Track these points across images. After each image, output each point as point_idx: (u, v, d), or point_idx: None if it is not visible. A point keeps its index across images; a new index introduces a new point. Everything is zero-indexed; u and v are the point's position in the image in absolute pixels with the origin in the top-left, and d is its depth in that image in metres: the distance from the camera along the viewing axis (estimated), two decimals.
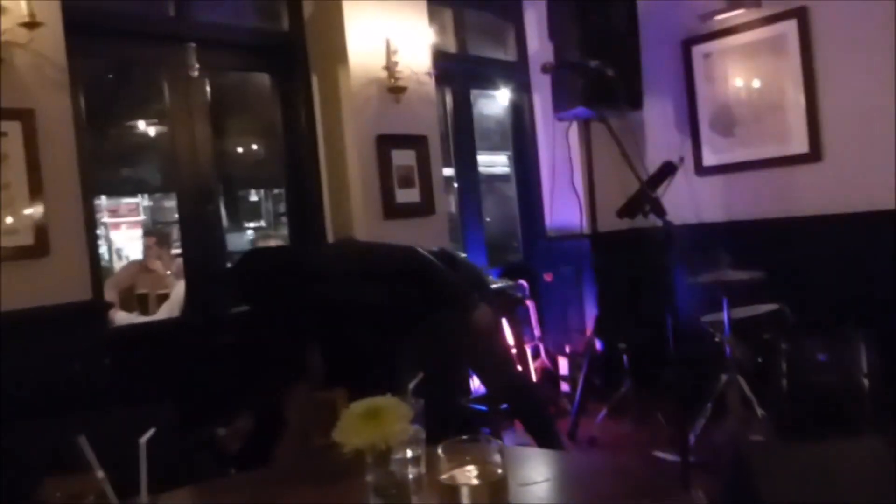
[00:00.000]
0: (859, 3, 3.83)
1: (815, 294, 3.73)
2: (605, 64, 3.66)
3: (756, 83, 4.34)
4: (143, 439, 1.19)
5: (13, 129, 2.51)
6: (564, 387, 4.59)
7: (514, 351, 4.06)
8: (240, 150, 6.10)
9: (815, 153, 4.08)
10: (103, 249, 5.67)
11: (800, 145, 4.14)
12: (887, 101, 3.76)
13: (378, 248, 3.03)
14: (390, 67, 3.62)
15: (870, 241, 3.77)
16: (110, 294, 3.96)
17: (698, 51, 4.58)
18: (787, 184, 4.20)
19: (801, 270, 3.87)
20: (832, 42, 3.99)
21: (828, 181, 4.01)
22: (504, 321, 3.90)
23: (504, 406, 3.34)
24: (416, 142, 3.79)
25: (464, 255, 4.29)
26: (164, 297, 3.98)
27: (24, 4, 2.46)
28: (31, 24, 2.48)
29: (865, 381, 3.19)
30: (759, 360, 3.30)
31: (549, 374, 4.56)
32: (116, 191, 5.81)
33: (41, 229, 2.57)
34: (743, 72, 4.40)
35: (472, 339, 2.87)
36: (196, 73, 3.34)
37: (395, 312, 2.89)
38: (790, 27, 4.14)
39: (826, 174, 4.03)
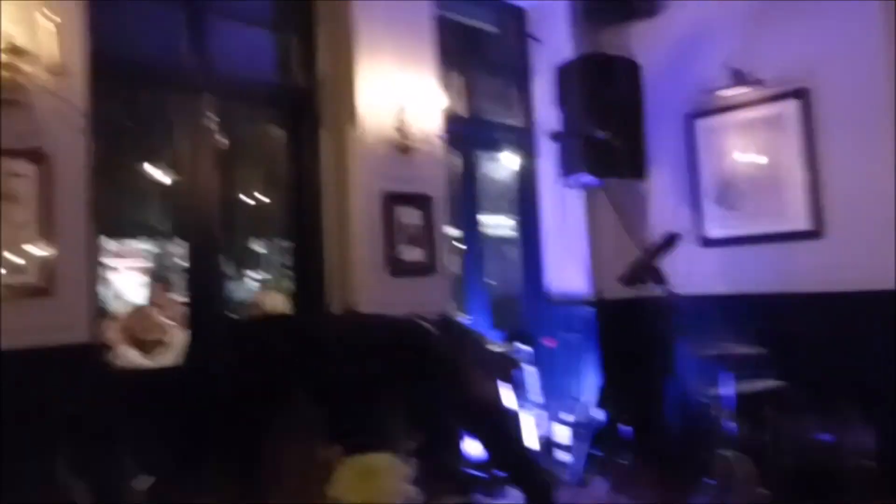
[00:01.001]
0: (860, 84, 3.92)
1: (817, 372, 3.70)
2: (611, 134, 3.73)
3: (758, 159, 4.41)
4: (143, 487, 1.18)
5: (30, 171, 2.55)
6: (565, 457, 4.49)
7: (512, 416, 4.00)
8: (247, 199, 6.15)
9: (816, 230, 4.11)
10: (106, 292, 5.65)
11: (801, 222, 4.18)
12: (888, 181, 3.81)
13: (381, 323, 3.04)
14: (401, 127, 3.69)
15: (871, 320, 3.76)
16: (111, 336, 3.94)
17: (702, 124, 4.67)
18: (789, 259, 4.21)
19: (803, 347, 3.85)
20: (833, 122, 4.07)
21: (829, 259, 4.03)
22: (503, 385, 3.86)
23: (500, 473, 3.29)
24: (422, 201, 3.83)
25: (466, 317, 4.28)
26: (164, 344, 3.95)
27: (51, 51, 2.53)
28: (57, 71, 2.55)
29: (870, 464, 3.14)
30: (761, 436, 3.26)
31: (550, 444, 4.47)
32: (123, 234, 5.83)
33: (48, 270, 2.58)
34: (745, 147, 4.47)
35: (474, 412, 2.86)
36: (210, 123, 3.41)
37: (397, 383, 2.90)
38: (792, 107, 4.23)
39: (827, 252, 4.05)
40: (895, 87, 3.82)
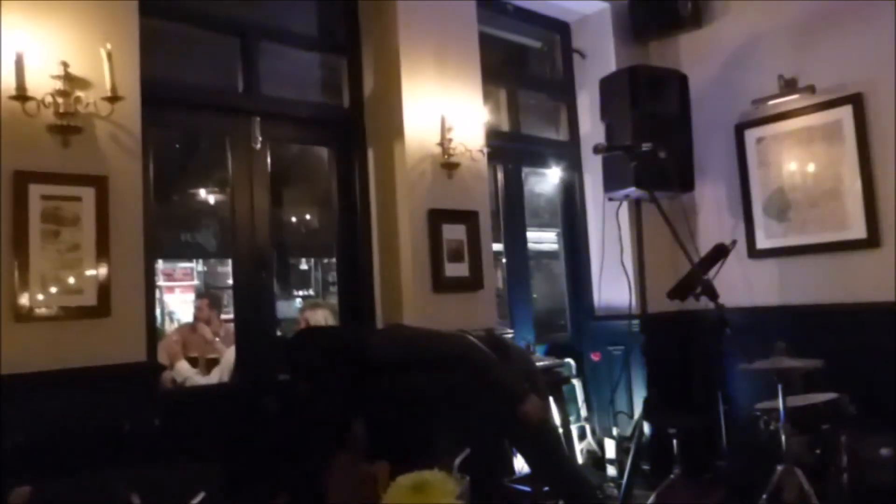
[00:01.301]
0: None
1: (876, 385, 3.58)
2: (657, 146, 3.68)
3: (811, 168, 4.32)
4: (195, 501, 1.21)
5: (87, 194, 2.64)
6: (611, 471, 4.45)
7: (560, 431, 3.97)
8: (294, 219, 6.25)
9: (873, 239, 4.00)
10: (157, 312, 5.80)
11: (857, 231, 4.07)
12: None
13: (427, 336, 3.03)
14: (444, 144, 3.72)
15: None
16: (162, 356, 4.04)
17: (751, 135, 4.59)
18: (844, 270, 4.11)
19: (860, 360, 3.73)
20: (889, 128, 3.96)
21: (887, 268, 3.92)
22: (550, 400, 3.83)
23: (548, 488, 3.25)
24: (466, 217, 3.85)
25: (511, 332, 4.27)
26: (213, 361, 4.03)
27: (107, 80, 2.63)
28: (113, 98, 2.64)
29: None
30: (817, 451, 3.16)
31: (596, 457, 4.43)
32: (174, 255, 5.98)
33: (104, 291, 2.66)
34: (797, 157, 4.38)
35: (521, 428, 2.84)
36: (259, 145, 3.49)
37: (443, 398, 2.90)
38: (845, 113, 4.14)
39: (885, 261, 3.94)
40: None
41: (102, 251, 2.67)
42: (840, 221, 4.16)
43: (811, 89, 4.24)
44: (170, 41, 3.32)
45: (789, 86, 4.33)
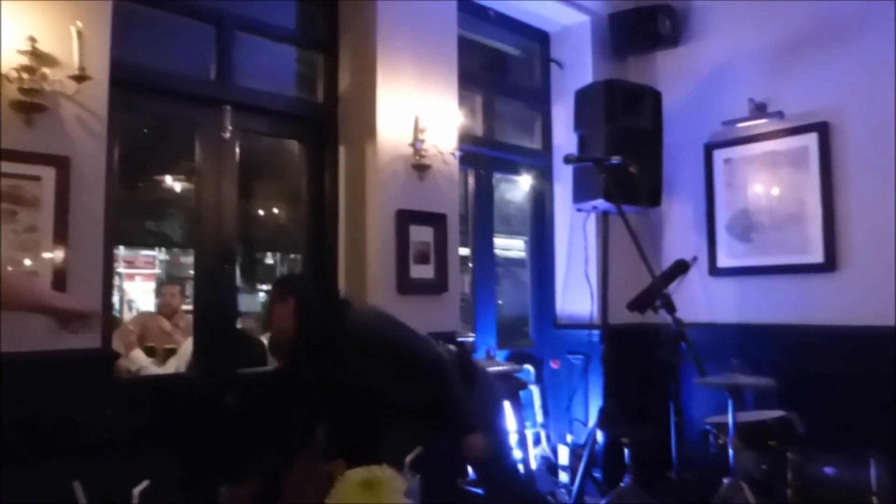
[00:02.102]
0: (879, 120, 3.92)
1: (825, 405, 3.67)
2: (628, 160, 3.73)
3: (775, 192, 4.41)
4: (137, 490, 1.19)
5: (48, 174, 2.59)
6: (563, 477, 4.49)
7: (514, 437, 3.99)
8: (261, 212, 6.20)
9: (830, 264, 4.09)
10: (115, 299, 5.71)
11: (816, 255, 4.16)
12: None
13: (407, 333, 2.96)
14: (417, 145, 3.73)
15: (883, 356, 3.73)
16: (117, 344, 3.98)
17: (720, 155, 4.68)
18: (802, 292, 4.20)
19: (811, 380, 3.82)
20: (852, 157, 4.07)
21: (842, 293, 4.02)
22: (507, 405, 3.85)
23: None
24: (435, 219, 3.85)
25: (472, 336, 4.28)
26: (171, 352, 3.98)
27: (75, 58, 2.58)
28: (80, 78, 2.60)
29: (875, 501, 3.09)
30: (764, 467, 3.23)
31: (549, 463, 4.47)
32: (136, 242, 5.90)
33: (60, 275, 2.61)
34: (763, 180, 4.47)
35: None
36: (228, 136, 3.46)
37: (402, 398, 2.90)
38: (811, 140, 4.23)
39: (841, 286, 4.04)
40: None
41: (60, 234, 2.62)
42: (800, 245, 4.25)
43: (780, 115, 4.33)
44: (143, 25, 3.27)
45: (759, 110, 4.42)
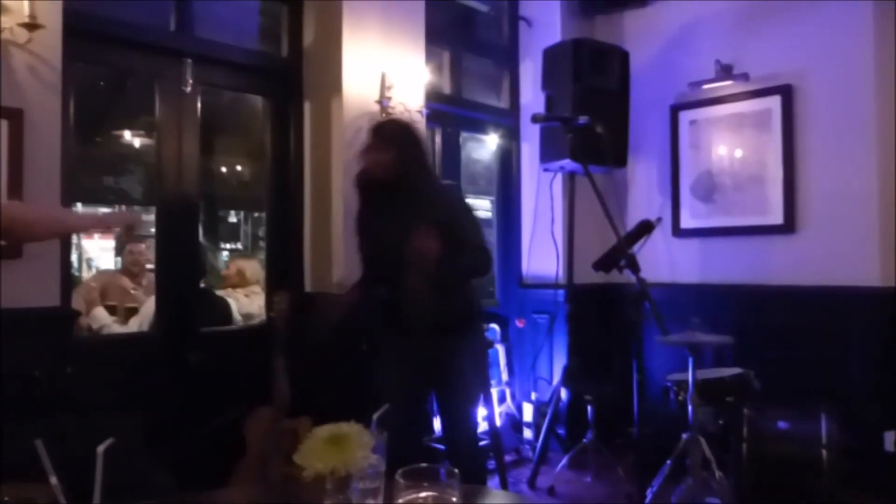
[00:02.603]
0: (842, 84, 3.97)
1: (780, 363, 3.78)
2: (595, 120, 3.74)
3: (738, 153, 4.46)
4: (101, 448, 1.18)
5: (0, 127, 2.50)
6: (528, 433, 4.58)
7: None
8: (224, 169, 6.10)
9: (789, 225, 4.18)
10: (74, 257, 5.60)
11: (775, 217, 4.24)
12: (863, 182, 3.88)
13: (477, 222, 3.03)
14: (383, 102, 3.67)
15: (836, 314, 3.86)
16: (78, 302, 3.91)
17: (685, 116, 4.70)
18: (761, 253, 4.29)
19: (768, 338, 3.93)
20: (814, 120, 4.12)
21: (800, 254, 4.11)
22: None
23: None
24: None
25: None
26: (133, 311, 3.93)
27: (26, 5, 2.48)
28: (32, 26, 2.50)
29: (824, 453, 3.21)
30: (721, 422, 3.33)
31: (514, 420, 4.55)
32: (95, 199, 5.75)
33: None
34: (727, 141, 4.51)
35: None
36: (189, 89, 3.36)
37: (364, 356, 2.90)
38: (774, 103, 4.27)
39: (799, 247, 4.13)
40: (874, 90, 3.87)
41: (15, 190, 2.54)
42: (761, 206, 4.32)
43: (745, 77, 4.36)
44: None
45: (725, 71, 4.44)
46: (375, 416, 1.44)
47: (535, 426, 4.48)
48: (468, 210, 3.00)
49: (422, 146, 2.98)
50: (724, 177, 4.52)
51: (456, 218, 2.85)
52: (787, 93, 4.21)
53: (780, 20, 4.23)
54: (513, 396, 4.61)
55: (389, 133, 2.89)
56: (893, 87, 3.90)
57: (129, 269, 4.20)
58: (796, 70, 4.17)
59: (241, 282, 4.45)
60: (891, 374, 3.71)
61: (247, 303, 4.27)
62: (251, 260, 4.76)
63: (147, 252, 4.19)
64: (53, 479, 1.16)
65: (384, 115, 3.68)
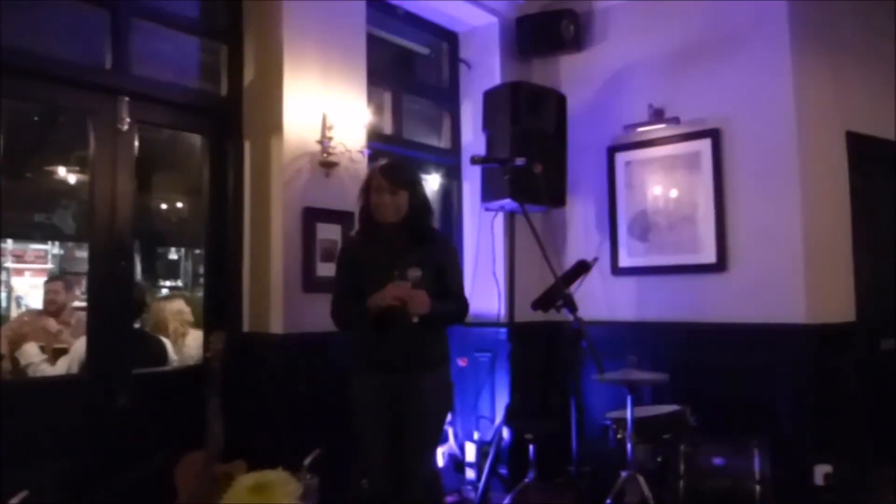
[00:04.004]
0: (767, 127, 4.15)
1: (715, 398, 3.86)
2: (532, 161, 3.82)
3: (672, 193, 4.59)
4: (15, 501, 1.13)
5: None
6: (469, 474, 4.55)
7: None
8: (164, 206, 5.99)
9: (721, 264, 4.30)
10: (2, 296, 5.39)
11: (708, 255, 4.36)
12: (788, 221, 4.03)
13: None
14: (324, 142, 3.68)
15: (766, 350, 3.96)
16: (2, 343, 3.75)
17: (621, 158, 4.83)
18: (695, 291, 4.39)
19: (704, 374, 4.01)
20: (742, 162, 4.28)
21: (731, 291, 4.22)
22: None
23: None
24: (342, 217, 3.81)
25: None
26: (62, 351, 3.78)
27: None
28: None
29: (757, 488, 3.29)
30: (659, 459, 3.38)
31: (456, 461, 4.52)
32: (25, 235, 5.58)
33: None
34: (660, 182, 4.65)
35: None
36: (126, 127, 3.31)
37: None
38: (705, 146, 4.43)
39: (730, 284, 4.25)
40: (796, 132, 4.05)
41: None
42: (694, 245, 4.44)
43: (676, 120, 4.52)
44: (30, 8, 3.09)
45: (657, 115, 4.59)
46: (307, 462, 1.42)
47: (478, 466, 4.45)
48: (457, 256, 3.17)
49: (425, 188, 3.12)
50: (659, 216, 4.64)
51: (450, 262, 3.03)
52: (715, 136, 4.38)
53: (708, 66, 4.42)
54: (455, 436, 4.58)
55: (402, 175, 2.99)
56: (814, 127, 4.10)
57: (48, 309, 4.07)
58: (724, 114, 4.34)
59: (179, 318, 4.34)
60: (818, 409, 3.83)
61: (185, 340, 4.19)
62: (176, 300, 4.59)
63: (63, 290, 4.08)
64: None
65: (325, 154, 3.69)
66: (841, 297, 4.17)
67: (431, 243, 2.97)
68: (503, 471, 4.38)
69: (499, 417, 4.43)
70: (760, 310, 4.05)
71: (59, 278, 4.41)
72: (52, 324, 3.95)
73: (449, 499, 4.15)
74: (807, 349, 3.89)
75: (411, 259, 2.83)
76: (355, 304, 2.88)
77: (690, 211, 4.48)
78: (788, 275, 4.00)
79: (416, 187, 2.99)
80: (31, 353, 3.70)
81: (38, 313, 4.11)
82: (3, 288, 5.38)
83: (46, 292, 4.15)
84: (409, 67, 5.17)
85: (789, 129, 4.08)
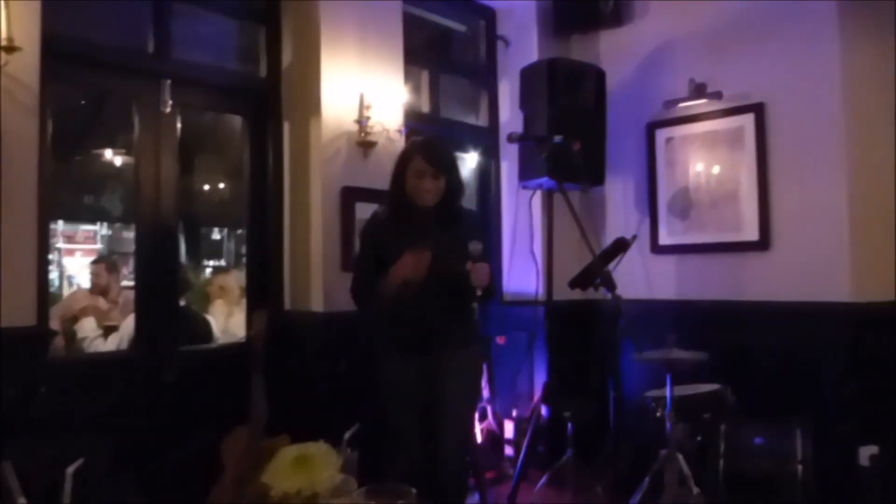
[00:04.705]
0: (812, 101, 4.04)
1: (756, 378, 3.82)
2: (570, 139, 3.78)
3: (714, 170, 4.52)
4: (71, 469, 1.19)
5: None
6: (508, 451, 4.59)
7: None
8: (206, 187, 6.11)
9: (764, 242, 4.23)
10: (54, 275, 5.57)
11: (750, 233, 4.29)
12: (833, 197, 3.94)
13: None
14: (362, 122, 3.71)
15: (809, 330, 3.89)
16: (65, 312, 3.90)
17: (661, 134, 4.76)
18: (737, 269, 4.33)
19: (744, 354, 3.97)
20: (786, 137, 4.19)
21: (774, 270, 4.16)
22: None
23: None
24: (380, 196, 3.82)
25: None
26: (111, 329, 3.91)
27: (3, 28, 2.49)
28: (9, 49, 2.51)
29: (799, 469, 3.25)
30: (698, 438, 3.35)
31: (495, 437, 4.55)
32: (75, 217, 5.75)
33: None
34: (702, 158, 4.57)
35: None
36: (168, 110, 3.38)
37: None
38: (748, 121, 4.34)
39: (773, 263, 4.18)
40: (842, 106, 3.94)
41: None
42: (736, 223, 4.38)
43: (718, 95, 4.43)
44: None
45: (699, 90, 4.50)
46: (347, 436, 1.46)
47: (516, 444, 4.49)
48: (482, 234, 3.07)
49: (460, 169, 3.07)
50: (701, 194, 4.57)
51: (480, 237, 2.91)
52: (759, 110, 4.28)
53: (752, 39, 4.31)
54: (494, 413, 4.61)
55: (444, 159, 2.93)
56: (861, 104, 3.98)
57: (93, 290, 4.22)
58: (768, 88, 4.24)
59: (224, 296, 4.48)
60: (864, 389, 3.75)
61: (230, 318, 4.30)
62: (230, 274, 4.78)
63: (106, 271, 4.21)
64: (21, 501, 1.16)
65: (363, 134, 3.72)
66: (888, 276, 4.06)
67: (459, 222, 2.94)
68: (541, 448, 4.40)
69: (536, 395, 4.45)
70: (804, 288, 3.98)
71: (103, 260, 4.55)
72: (102, 302, 4.07)
73: (487, 475, 4.19)
74: (851, 328, 3.81)
75: (442, 240, 2.80)
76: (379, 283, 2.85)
77: (733, 187, 4.40)
78: (833, 252, 3.91)
79: (455, 170, 2.96)
80: (88, 327, 3.85)
81: (89, 292, 4.25)
82: (55, 268, 5.56)
83: (91, 273, 4.30)
84: (446, 46, 5.15)
85: (836, 102, 3.97)
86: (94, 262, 4.37)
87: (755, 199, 4.29)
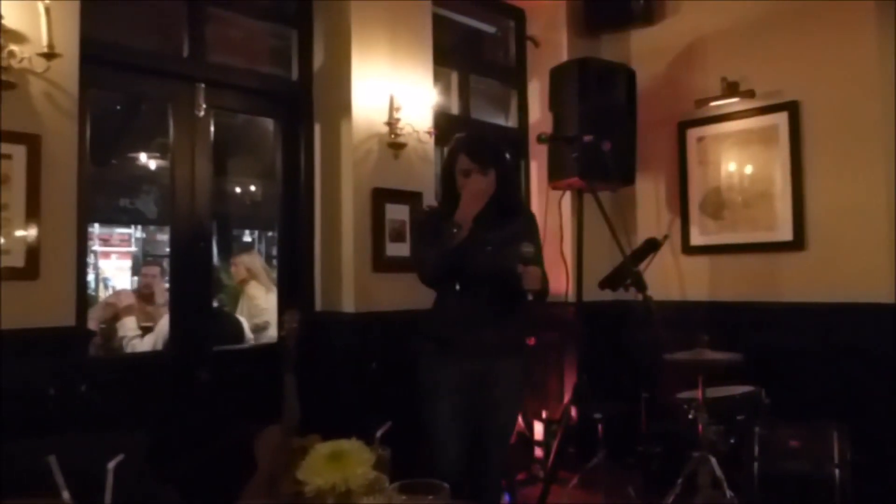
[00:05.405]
0: (849, 100, 3.98)
1: (791, 380, 3.77)
2: (600, 139, 3.76)
3: (747, 169, 4.46)
4: (112, 464, 1.21)
5: (18, 152, 2.57)
6: (538, 452, 4.57)
7: None
8: (238, 189, 6.18)
9: (798, 242, 4.17)
10: (90, 277, 5.68)
11: (784, 233, 4.23)
12: (871, 196, 3.87)
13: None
14: (392, 123, 3.73)
15: (847, 331, 3.83)
16: (93, 322, 3.97)
17: (693, 134, 4.72)
18: (771, 270, 4.27)
19: (779, 356, 3.92)
20: (821, 136, 4.13)
21: (809, 270, 4.10)
22: None
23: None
24: (410, 197, 3.86)
25: None
26: (147, 329, 3.98)
27: (44, 35, 2.55)
28: (50, 55, 2.57)
29: (836, 472, 3.19)
30: (732, 440, 3.31)
31: (525, 439, 4.54)
32: (111, 220, 5.86)
33: (33, 252, 2.61)
34: (735, 158, 4.52)
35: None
36: (202, 113, 3.44)
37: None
38: (781, 119, 4.28)
39: (808, 264, 4.12)
40: (879, 104, 3.87)
41: (32, 212, 2.61)
42: (770, 223, 4.32)
43: (751, 94, 4.38)
44: (114, 1, 3.23)
45: (731, 89, 4.45)
46: (379, 434, 1.47)
47: (546, 445, 4.47)
48: (539, 232, 2.96)
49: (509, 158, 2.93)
50: (734, 193, 4.52)
51: (534, 238, 2.83)
52: (793, 108, 4.22)
53: (785, 37, 4.26)
54: (524, 415, 4.60)
55: (488, 151, 2.76)
56: None
57: (142, 292, 4.28)
58: (802, 86, 4.18)
59: (250, 276, 4.59)
60: None
61: (261, 298, 4.38)
62: (251, 254, 4.87)
63: (161, 275, 4.28)
64: (66, 495, 1.19)
65: (393, 135, 3.74)
66: None
67: (516, 217, 2.81)
68: (571, 450, 4.38)
69: (567, 396, 4.43)
70: (841, 288, 3.91)
71: (156, 263, 4.64)
72: (138, 302, 4.15)
73: (518, 477, 4.18)
74: (891, 329, 3.73)
75: (497, 234, 2.70)
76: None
77: (766, 187, 4.35)
78: (872, 251, 3.84)
79: (503, 160, 2.80)
80: (129, 326, 3.91)
81: (128, 293, 4.33)
82: (91, 270, 5.68)
83: (143, 275, 4.38)
84: (475, 47, 5.16)
85: (873, 100, 3.90)
86: (148, 265, 4.45)
87: (789, 199, 4.23)
